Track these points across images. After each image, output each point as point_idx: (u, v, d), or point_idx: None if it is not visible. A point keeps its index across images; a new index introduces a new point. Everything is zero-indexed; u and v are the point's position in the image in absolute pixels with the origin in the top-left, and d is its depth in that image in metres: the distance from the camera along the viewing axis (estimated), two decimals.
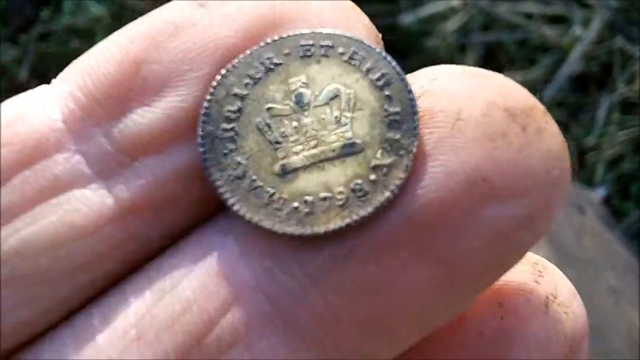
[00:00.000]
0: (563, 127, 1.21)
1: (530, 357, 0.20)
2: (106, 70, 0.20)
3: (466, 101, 0.18)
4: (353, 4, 0.21)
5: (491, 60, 1.27)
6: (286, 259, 0.18)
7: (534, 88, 1.21)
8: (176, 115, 0.19)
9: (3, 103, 0.20)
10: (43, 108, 0.20)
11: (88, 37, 1.22)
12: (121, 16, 1.24)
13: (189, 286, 0.19)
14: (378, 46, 0.20)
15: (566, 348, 0.21)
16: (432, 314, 0.19)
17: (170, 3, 0.20)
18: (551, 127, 0.19)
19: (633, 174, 1.15)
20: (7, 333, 0.19)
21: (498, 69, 1.31)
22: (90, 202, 0.19)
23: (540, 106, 0.19)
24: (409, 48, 1.29)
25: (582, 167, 1.17)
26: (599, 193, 1.06)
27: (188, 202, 0.20)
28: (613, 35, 1.26)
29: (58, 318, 0.19)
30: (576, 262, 0.62)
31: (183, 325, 0.18)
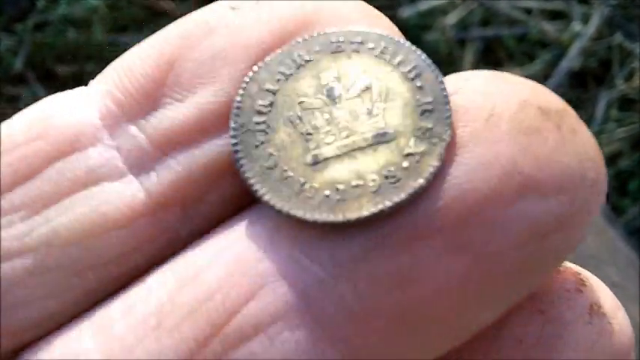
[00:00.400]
0: None
1: None
2: (142, 69, 0.20)
3: (499, 99, 0.18)
4: (379, 12, 0.21)
5: (490, 55, 1.27)
6: (315, 248, 0.18)
7: None
8: (208, 110, 0.19)
9: (40, 101, 0.21)
10: (80, 105, 0.20)
11: (85, 27, 1.22)
12: (117, 7, 1.23)
13: (213, 275, 0.18)
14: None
15: None
16: (464, 315, 0.18)
17: (206, 7, 0.21)
18: (585, 130, 0.18)
19: (631, 171, 1.15)
20: (34, 324, 0.19)
21: (497, 64, 1.31)
22: (122, 195, 0.19)
23: (572, 110, 0.19)
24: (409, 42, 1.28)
25: None
26: None
27: (217, 198, 0.20)
28: (612, 32, 1.26)
29: (83, 310, 0.19)
30: (578, 258, 0.62)
31: (204, 313, 0.18)
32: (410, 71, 0.19)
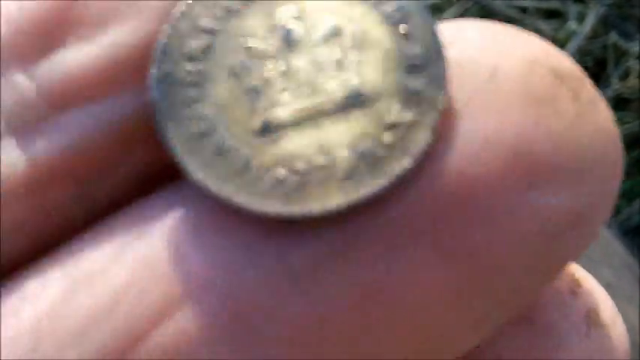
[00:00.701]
0: None
1: None
2: None
3: (504, 56, 0.14)
4: None
5: None
6: (259, 248, 0.13)
7: None
8: (120, 53, 0.14)
9: None
10: None
11: None
12: None
13: (114, 276, 0.13)
14: None
15: None
16: (450, 334, 0.14)
17: None
18: (603, 103, 0.15)
19: (626, 171, 1.14)
20: None
21: None
22: None
23: (588, 78, 0.15)
24: None
25: None
26: None
27: (127, 172, 0.15)
28: (608, 31, 1.26)
29: None
30: None
31: (101, 333, 0.13)
32: (393, 12, 0.14)
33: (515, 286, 0.14)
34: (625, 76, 1.21)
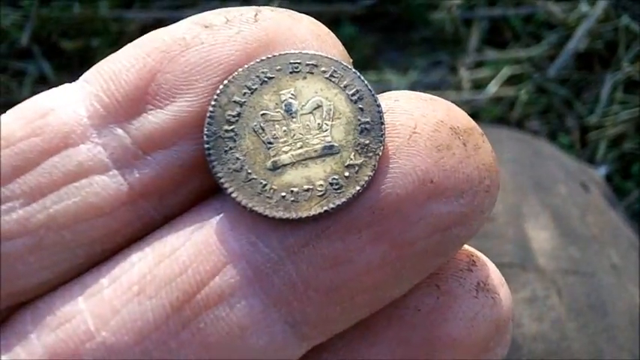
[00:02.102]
0: (567, 104, 1.20)
1: (460, 333, 0.24)
2: (126, 77, 0.23)
3: (420, 118, 0.23)
4: (329, 31, 0.25)
5: (496, 35, 1.26)
6: (268, 235, 0.22)
7: (539, 65, 1.20)
8: (184, 117, 0.23)
9: (35, 98, 0.24)
10: (70, 105, 0.23)
11: (90, 3, 1.21)
12: None
13: (185, 252, 0.22)
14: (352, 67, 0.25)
15: (492, 327, 0.25)
16: (383, 289, 0.23)
17: (181, 23, 0.24)
18: (487, 145, 0.24)
19: (634, 153, 1.15)
20: (27, 290, 0.23)
21: (503, 44, 1.30)
22: (108, 187, 0.23)
23: (478, 129, 0.24)
24: (415, 21, 1.28)
25: (584, 146, 1.17)
26: (599, 172, 1.06)
27: (188, 190, 0.24)
28: (619, 14, 1.25)
29: (71, 278, 0.23)
30: (580, 239, 0.62)
31: (178, 284, 0.22)
32: (354, 94, 0.24)
33: (419, 260, 0.23)
34: (635, 59, 1.21)
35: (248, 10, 0.24)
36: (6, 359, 0.22)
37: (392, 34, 1.27)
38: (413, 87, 1.20)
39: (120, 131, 0.23)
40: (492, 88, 1.19)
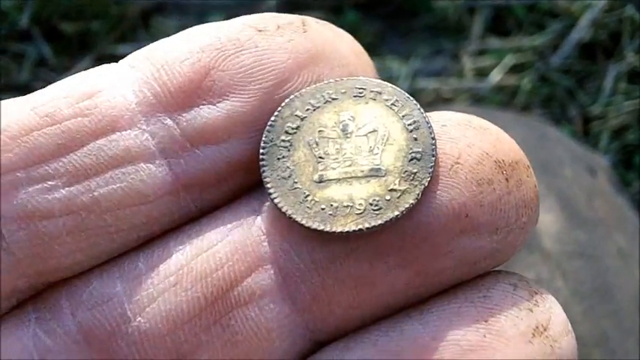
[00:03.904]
0: (570, 94, 1.20)
1: None
2: (180, 68, 0.23)
3: (465, 149, 0.23)
4: (363, 50, 0.26)
5: (500, 23, 1.26)
6: (300, 246, 0.23)
7: (542, 54, 1.19)
8: (235, 116, 0.23)
9: (81, 76, 0.24)
10: (118, 88, 0.23)
11: None
12: None
13: (222, 249, 0.23)
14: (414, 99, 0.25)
15: None
16: (402, 307, 0.23)
17: (233, 23, 0.25)
18: (531, 180, 0.23)
19: (637, 144, 1.14)
20: (61, 269, 0.23)
21: (506, 33, 1.30)
22: (154, 175, 0.23)
23: (525, 161, 0.23)
24: (418, 8, 1.27)
25: (587, 136, 1.17)
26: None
27: (229, 187, 0.24)
28: (623, 4, 1.25)
29: (103, 262, 0.23)
30: (587, 223, 0.62)
31: (214, 279, 0.23)
32: (410, 124, 0.24)
33: (446, 287, 0.23)
34: (639, 49, 1.21)
35: (296, 19, 0.25)
36: (40, 332, 0.23)
37: (395, 21, 1.26)
38: (415, 74, 1.19)
39: (169, 121, 0.23)
40: (495, 76, 1.18)
